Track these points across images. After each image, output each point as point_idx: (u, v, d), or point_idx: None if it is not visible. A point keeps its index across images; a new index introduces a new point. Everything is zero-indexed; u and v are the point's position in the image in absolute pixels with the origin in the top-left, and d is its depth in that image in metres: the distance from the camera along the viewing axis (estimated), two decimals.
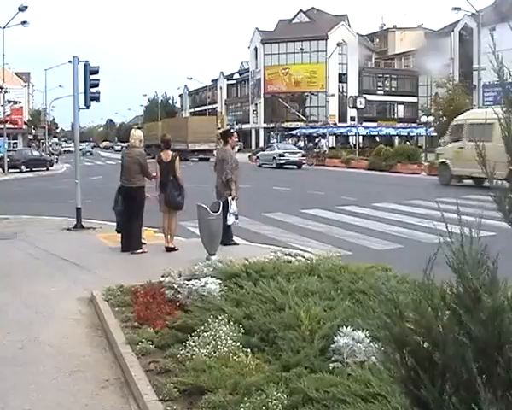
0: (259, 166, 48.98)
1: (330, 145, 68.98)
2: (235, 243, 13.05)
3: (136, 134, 13.32)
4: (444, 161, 30.77)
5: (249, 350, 5.74)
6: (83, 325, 7.90)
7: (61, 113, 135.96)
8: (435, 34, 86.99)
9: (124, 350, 6.39)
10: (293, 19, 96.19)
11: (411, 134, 76.76)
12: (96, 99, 17.09)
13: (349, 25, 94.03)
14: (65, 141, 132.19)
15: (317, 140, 64.01)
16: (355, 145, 63.76)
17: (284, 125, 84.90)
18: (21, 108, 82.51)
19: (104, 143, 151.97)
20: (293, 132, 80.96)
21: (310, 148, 61.60)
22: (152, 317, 7.15)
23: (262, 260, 8.90)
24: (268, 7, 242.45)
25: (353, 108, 66.38)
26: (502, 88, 2.69)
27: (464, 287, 2.54)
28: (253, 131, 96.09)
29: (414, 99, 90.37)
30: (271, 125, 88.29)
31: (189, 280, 7.95)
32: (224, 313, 6.54)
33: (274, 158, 48.43)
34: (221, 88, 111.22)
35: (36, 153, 57.73)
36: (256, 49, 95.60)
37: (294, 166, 47.69)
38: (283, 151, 49.79)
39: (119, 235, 13.00)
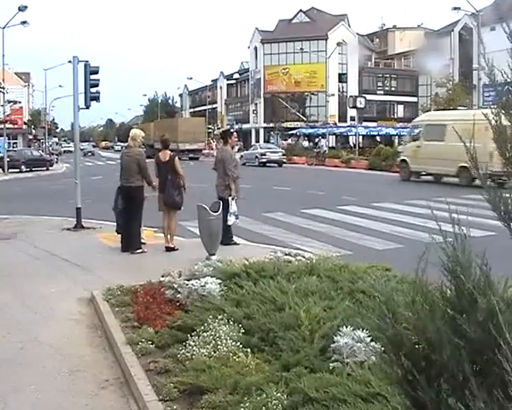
0: (244, 164, 49.50)
1: (330, 145, 68.92)
2: (236, 243, 13.06)
3: (136, 134, 13.31)
4: (404, 158, 33.89)
5: (249, 350, 5.75)
6: (83, 325, 7.91)
7: (61, 113, 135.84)
8: (435, 34, 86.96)
9: (124, 350, 6.40)
10: (292, 19, 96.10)
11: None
12: (96, 99, 17.10)
13: (349, 25, 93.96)
14: (65, 141, 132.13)
15: (316, 140, 64.06)
16: (355, 145, 63.67)
17: (284, 125, 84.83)
18: (21, 108, 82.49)
19: (103, 143, 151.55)
20: (293, 132, 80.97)
21: (310, 148, 61.74)
22: (152, 317, 7.16)
23: (262, 260, 8.91)
24: (268, 7, 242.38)
25: (353, 107, 66.29)
26: (494, 90, 2.69)
27: (459, 288, 2.54)
28: (253, 131, 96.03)
29: (414, 99, 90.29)
30: (271, 124, 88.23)
31: (188, 280, 7.96)
32: (223, 313, 6.55)
33: (256, 157, 51.48)
34: (221, 88, 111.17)
35: (36, 153, 57.77)
36: (256, 48, 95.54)
37: (276, 165, 50.63)
38: (265, 151, 53.56)
39: (119, 235, 13.01)
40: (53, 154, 70.98)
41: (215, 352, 5.74)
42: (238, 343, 5.86)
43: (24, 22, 47.30)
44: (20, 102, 76.99)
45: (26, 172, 48.30)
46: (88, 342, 7.25)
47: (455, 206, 2.77)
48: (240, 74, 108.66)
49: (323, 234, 14.98)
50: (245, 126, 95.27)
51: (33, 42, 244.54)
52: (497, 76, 2.66)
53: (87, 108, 17.09)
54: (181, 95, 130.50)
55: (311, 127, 79.54)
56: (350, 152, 57.59)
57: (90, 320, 8.07)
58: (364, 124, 77.00)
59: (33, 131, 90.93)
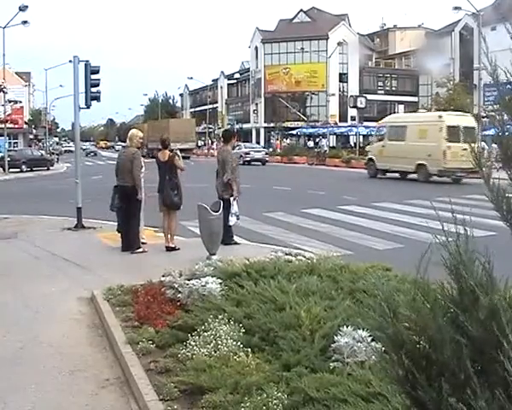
0: None
1: (331, 145, 68.97)
2: (236, 243, 13.06)
3: (133, 134, 13.30)
4: (371, 157, 36.87)
5: (249, 350, 5.74)
6: (83, 324, 7.91)
7: (61, 112, 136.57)
8: (436, 34, 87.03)
9: (124, 350, 6.40)
10: (293, 18, 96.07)
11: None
12: (97, 99, 17.10)
13: (349, 24, 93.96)
14: (65, 141, 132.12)
15: (317, 140, 64.15)
16: (355, 145, 63.70)
17: (285, 124, 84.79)
18: (22, 107, 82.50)
19: (102, 143, 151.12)
20: (294, 132, 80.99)
21: (312, 147, 61.93)
22: (152, 316, 7.15)
23: (262, 260, 8.91)
24: (268, 6, 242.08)
25: (354, 107, 66.27)
26: (496, 89, 2.68)
27: (461, 286, 2.54)
28: (254, 131, 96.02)
29: (414, 99, 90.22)
30: (272, 124, 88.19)
31: (189, 280, 7.95)
32: (224, 313, 6.55)
33: (241, 156, 52.13)
34: (221, 87, 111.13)
35: (36, 153, 57.79)
36: (257, 48, 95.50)
37: (259, 163, 53.70)
38: (249, 150, 56.91)
39: (120, 235, 13.01)
40: (53, 153, 70.97)
41: (215, 352, 5.73)
42: (238, 343, 5.85)
43: (25, 22, 47.30)
44: (20, 102, 77.05)
45: (27, 171, 48.31)
46: (88, 342, 7.24)
47: (456, 206, 2.76)
48: (240, 74, 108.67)
49: (324, 234, 14.98)
50: (245, 126, 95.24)
51: (34, 41, 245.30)
52: (500, 75, 2.65)
53: (87, 107, 17.10)
54: (181, 94, 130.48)
55: (312, 127, 79.51)
56: (350, 152, 57.68)
57: (90, 320, 8.07)
58: (365, 124, 76.92)
59: (34, 130, 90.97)
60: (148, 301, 7.70)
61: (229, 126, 76.66)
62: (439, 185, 29.19)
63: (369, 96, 72.69)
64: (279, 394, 4.68)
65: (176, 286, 7.87)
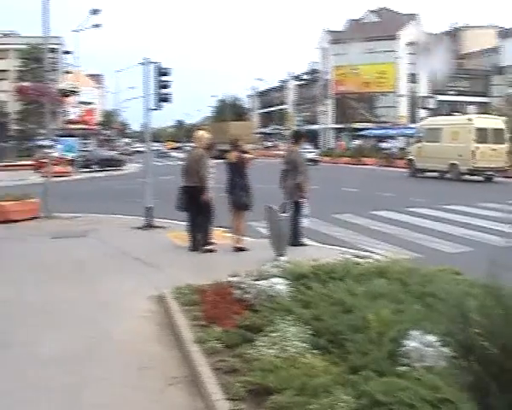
0: None
1: (401, 146, 68.04)
2: (304, 244, 13.02)
3: (201, 135, 13.45)
4: (411, 157, 39.68)
5: (317, 352, 5.73)
6: (152, 322, 8.03)
7: (133, 113, 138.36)
8: (508, 32, 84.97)
9: (192, 348, 6.46)
10: (362, 18, 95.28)
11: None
12: (167, 100, 17.29)
13: (419, 24, 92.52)
14: (136, 141, 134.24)
15: (385, 141, 63.53)
16: None
17: (353, 125, 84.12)
18: (94, 109, 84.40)
19: (171, 144, 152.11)
20: (363, 133, 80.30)
21: (381, 149, 61.33)
22: (220, 316, 7.20)
23: (330, 262, 8.88)
24: (336, 6, 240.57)
25: (424, 108, 65.33)
26: None
27: None
28: (322, 132, 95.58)
29: (485, 99, 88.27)
30: (340, 125, 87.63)
31: (257, 280, 7.98)
32: (292, 314, 6.55)
33: None
34: (289, 89, 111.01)
35: (108, 153, 58.90)
36: (325, 49, 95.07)
37: (311, 163, 52.64)
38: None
39: (189, 234, 13.14)
40: (124, 154, 72.20)
41: (283, 353, 5.74)
42: (306, 345, 5.85)
43: (97, 25, 48.34)
44: (92, 104, 78.87)
45: (98, 171, 49.24)
46: (157, 340, 7.35)
47: None
48: (308, 75, 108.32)
49: (392, 236, 14.82)
50: (313, 127, 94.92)
51: (105, 44, 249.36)
52: None
53: (158, 109, 17.32)
54: (250, 96, 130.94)
55: (381, 128, 78.68)
56: None
57: (159, 318, 8.17)
58: None
59: (105, 131, 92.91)
60: (216, 301, 7.76)
61: (297, 127, 76.44)
62: (503, 186, 28.64)
63: (440, 97, 71.50)
64: (346, 396, 4.67)
65: (243, 286, 7.91)
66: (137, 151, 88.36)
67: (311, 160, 55.18)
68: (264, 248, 11.74)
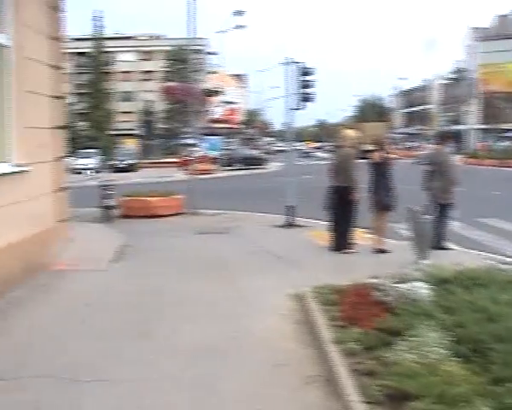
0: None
1: None
2: (448, 248, 12.63)
3: (347, 134, 13.35)
4: None
5: (458, 360, 5.54)
6: (290, 320, 8.05)
7: (276, 113, 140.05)
8: None
9: (329, 348, 6.41)
10: (510, 14, 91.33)
11: None
12: (310, 100, 17.34)
13: None
14: (279, 140, 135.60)
15: None
16: None
17: (500, 126, 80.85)
18: (237, 108, 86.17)
19: (310, 143, 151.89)
20: (511, 134, 76.97)
21: None
22: (359, 317, 7.11)
23: (474, 267, 8.57)
24: (483, 1, 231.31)
25: None
26: None
27: None
28: (467, 133, 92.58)
29: None
30: (486, 126, 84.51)
31: (397, 283, 7.83)
32: (433, 319, 6.36)
33: None
34: (434, 88, 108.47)
35: (250, 152, 60.09)
36: (471, 47, 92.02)
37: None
38: None
39: (330, 234, 13.09)
40: (266, 153, 73.25)
41: (422, 358, 5.58)
42: (446, 351, 5.66)
43: (240, 26, 49.28)
44: (236, 103, 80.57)
45: (241, 169, 50.26)
46: (294, 338, 7.36)
47: None
48: (453, 74, 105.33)
49: None
50: (458, 127, 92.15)
51: (249, 44, 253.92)
52: None
53: (300, 108, 17.42)
54: (392, 95, 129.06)
55: None
56: None
57: (297, 316, 8.19)
58: None
59: (248, 130, 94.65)
60: (355, 302, 7.67)
61: (441, 128, 74.54)
62: None
63: None
64: (486, 408, 4.48)
65: (384, 289, 7.78)
66: (279, 150, 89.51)
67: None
68: (405, 251, 11.49)
